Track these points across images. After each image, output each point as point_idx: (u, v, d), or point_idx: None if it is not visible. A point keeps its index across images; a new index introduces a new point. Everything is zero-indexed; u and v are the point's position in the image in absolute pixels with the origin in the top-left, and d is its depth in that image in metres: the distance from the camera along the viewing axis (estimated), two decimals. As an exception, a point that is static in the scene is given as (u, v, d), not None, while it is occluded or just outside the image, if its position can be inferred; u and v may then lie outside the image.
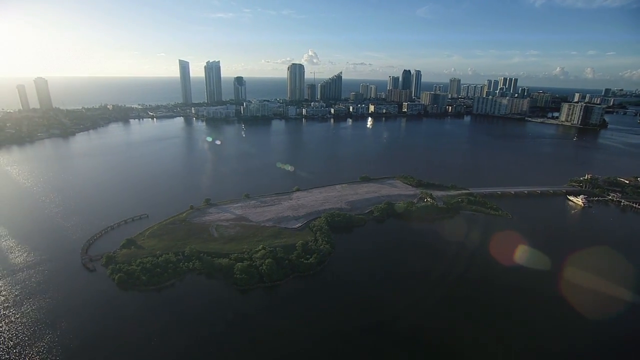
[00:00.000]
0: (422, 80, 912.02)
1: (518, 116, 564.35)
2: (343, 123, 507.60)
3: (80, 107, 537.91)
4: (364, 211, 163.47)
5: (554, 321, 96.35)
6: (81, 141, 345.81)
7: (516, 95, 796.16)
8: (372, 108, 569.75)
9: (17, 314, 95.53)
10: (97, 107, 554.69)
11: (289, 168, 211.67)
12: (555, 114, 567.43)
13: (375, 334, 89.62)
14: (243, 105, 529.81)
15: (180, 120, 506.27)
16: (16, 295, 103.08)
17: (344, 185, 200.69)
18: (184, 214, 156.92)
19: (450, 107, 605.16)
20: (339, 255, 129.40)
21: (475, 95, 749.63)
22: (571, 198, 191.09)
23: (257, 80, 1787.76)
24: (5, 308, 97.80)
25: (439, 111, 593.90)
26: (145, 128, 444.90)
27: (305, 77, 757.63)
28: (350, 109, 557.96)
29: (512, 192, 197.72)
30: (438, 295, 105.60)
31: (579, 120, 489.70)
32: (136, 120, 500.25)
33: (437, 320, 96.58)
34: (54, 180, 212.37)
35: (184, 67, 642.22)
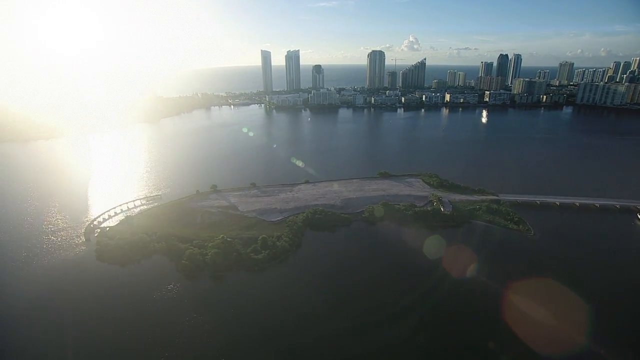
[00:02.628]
0: (523, 65, 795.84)
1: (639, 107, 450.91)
2: (412, 113, 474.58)
3: (177, 96, 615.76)
4: (357, 210, 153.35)
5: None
6: (160, 127, 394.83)
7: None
8: (447, 97, 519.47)
9: (18, 269, 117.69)
10: (190, 95, 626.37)
11: (300, 164, 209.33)
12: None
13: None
14: (311, 93, 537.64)
15: (253, 108, 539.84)
16: (26, 254, 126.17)
17: (356, 180, 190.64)
18: (187, 198, 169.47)
19: (545, 97, 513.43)
20: (301, 254, 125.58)
21: (583, 82, 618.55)
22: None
23: (340, 67, 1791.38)
24: (15, 261, 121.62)
25: (530, 101, 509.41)
26: (218, 115, 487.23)
27: (386, 64, 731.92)
28: (423, 98, 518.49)
29: (557, 202, 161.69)
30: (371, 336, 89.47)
31: None
32: (217, 107, 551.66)
33: None
34: (114, 159, 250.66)
35: (265, 57, 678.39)
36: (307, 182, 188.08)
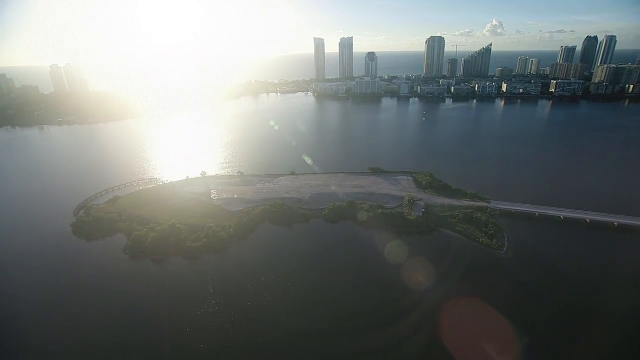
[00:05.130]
0: (630, 47, 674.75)
1: None
2: (461, 104, 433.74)
3: (234, 83, 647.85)
4: (321, 207, 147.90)
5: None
6: (205, 113, 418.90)
7: None
8: (504, 87, 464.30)
9: (7, 239, 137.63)
10: (245, 82, 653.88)
11: (309, 161, 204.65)
12: None
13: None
14: (354, 82, 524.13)
15: (299, 96, 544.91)
16: (19, 227, 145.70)
17: (342, 174, 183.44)
18: (176, 183, 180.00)
19: (632, 87, 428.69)
20: (242, 247, 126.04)
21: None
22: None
23: (402, 54, 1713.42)
24: (7, 233, 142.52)
25: (611, 91, 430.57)
26: (262, 102, 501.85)
27: (446, 50, 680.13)
28: (476, 88, 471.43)
29: (562, 216, 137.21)
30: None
31: None
32: (265, 94, 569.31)
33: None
34: (147, 142, 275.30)
35: (318, 44, 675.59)
36: (292, 173, 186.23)
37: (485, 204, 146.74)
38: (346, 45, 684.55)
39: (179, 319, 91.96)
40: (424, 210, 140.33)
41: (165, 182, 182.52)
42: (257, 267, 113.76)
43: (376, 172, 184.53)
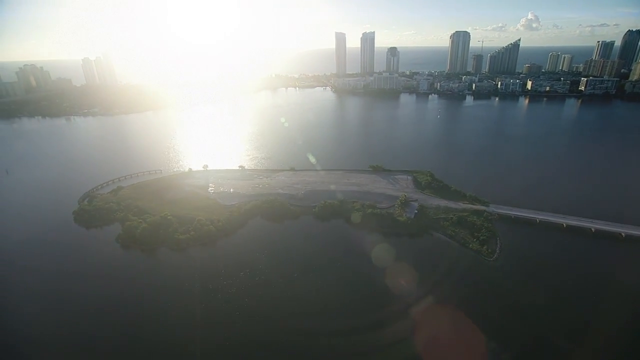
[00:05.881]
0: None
1: None
2: (481, 102, 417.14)
3: (256, 77, 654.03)
4: (312, 204, 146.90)
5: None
6: (217, 107, 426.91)
7: None
8: (529, 85, 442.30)
9: (14, 224, 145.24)
10: (265, 77, 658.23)
11: (312, 159, 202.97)
12: None
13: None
14: (372, 77, 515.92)
15: (317, 91, 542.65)
16: (26, 212, 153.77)
17: (340, 172, 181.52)
18: (178, 174, 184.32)
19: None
20: (230, 241, 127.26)
21: None
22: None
23: (423, 49, 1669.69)
24: (13, 214, 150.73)
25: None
26: (279, 97, 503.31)
27: (471, 46, 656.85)
28: (498, 86, 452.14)
29: (564, 224, 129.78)
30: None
31: None
32: (283, 88, 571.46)
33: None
34: (157, 133, 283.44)
35: (339, 39, 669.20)
36: (292, 169, 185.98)
37: (482, 208, 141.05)
38: (367, 40, 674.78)
39: (159, 310, 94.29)
40: (416, 211, 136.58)
41: (169, 174, 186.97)
42: (242, 262, 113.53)
43: (376, 170, 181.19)
